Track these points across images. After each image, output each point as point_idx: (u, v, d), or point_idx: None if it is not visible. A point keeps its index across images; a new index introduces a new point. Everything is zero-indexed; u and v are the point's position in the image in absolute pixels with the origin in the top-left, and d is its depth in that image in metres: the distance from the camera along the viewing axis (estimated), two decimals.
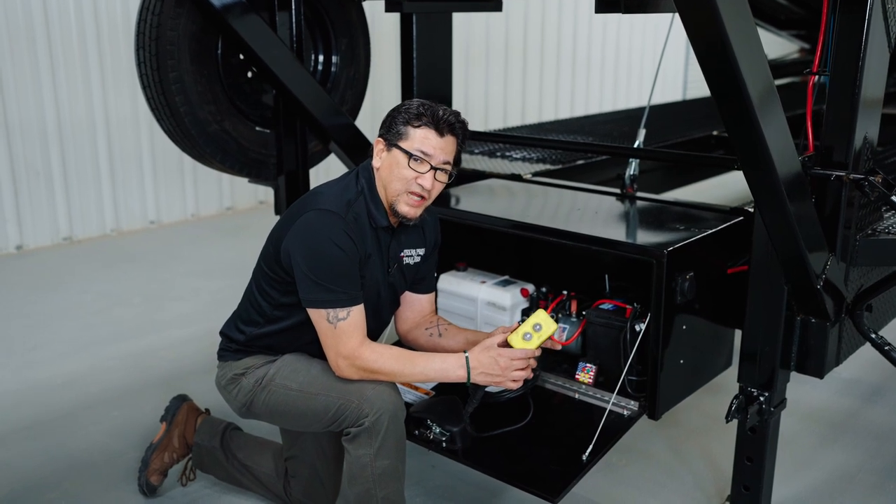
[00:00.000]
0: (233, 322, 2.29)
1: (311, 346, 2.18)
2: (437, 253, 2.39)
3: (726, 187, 4.60)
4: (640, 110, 5.07)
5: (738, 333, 2.64)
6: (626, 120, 4.75)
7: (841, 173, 2.11)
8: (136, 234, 5.75)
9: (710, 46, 1.65)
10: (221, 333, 2.31)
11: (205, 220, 6.10)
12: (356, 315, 2.06)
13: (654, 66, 9.17)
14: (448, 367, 2.10)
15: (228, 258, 5.02)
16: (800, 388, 3.21)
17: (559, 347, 2.27)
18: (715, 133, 4.30)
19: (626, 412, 2.40)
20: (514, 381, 2.09)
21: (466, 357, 2.10)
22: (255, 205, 6.50)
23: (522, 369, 2.10)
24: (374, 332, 2.21)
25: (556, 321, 2.65)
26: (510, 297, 2.76)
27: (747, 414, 2.27)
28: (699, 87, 6.24)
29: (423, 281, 2.38)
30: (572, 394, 2.52)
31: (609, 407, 2.35)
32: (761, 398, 2.31)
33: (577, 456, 2.22)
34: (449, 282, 2.89)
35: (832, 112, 2.13)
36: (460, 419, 2.28)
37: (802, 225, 1.99)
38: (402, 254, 2.25)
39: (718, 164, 3.03)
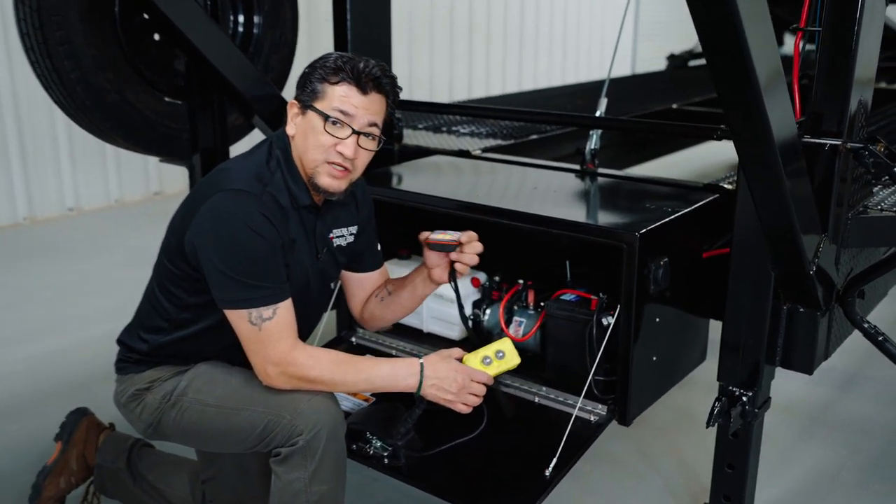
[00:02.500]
0: (133, 329, 1.94)
1: (230, 352, 1.84)
2: (372, 223, 2.07)
3: (688, 165, 4.36)
4: (593, 84, 4.80)
5: (713, 325, 2.38)
6: (580, 94, 4.48)
7: (836, 142, 1.84)
8: (53, 221, 5.29)
9: None
10: (119, 342, 1.96)
11: (130, 206, 5.66)
12: (284, 313, 1.73)
13: (601, 40, 8.93)
14: (398, 375, 1.78)
15: (156, 247, 4.60)
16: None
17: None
18: (675, 106, 4.05)
19: (593, 418, 2.11)
20: (466, 404, 1.80)
21: (421, 364, 1.79)
22: (185, 189, 6.05)
23: (478, 395, 1.80)
24: (303, 331, 1.88)
25: (512, 317, 2.36)
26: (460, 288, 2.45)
27: (731, 417, 2.00)
28: (648, 63, 6.02)
29: (364, 257, 2.06)
30: (531, 398, 2.23)
31: (575, 413, 2.06)
32: (744, 398, 2.04)
33: (539, 471, 1.93)
34: (391, 272, 2.57)
35: (824, 73, 1.86)
36: (404, 431, 1.97)
37: (797, 202, 1.72)
38: (331, 235, 1.92)
39: (698, 134, 2.74)
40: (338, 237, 1.94)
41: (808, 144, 1.84)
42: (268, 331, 1.71)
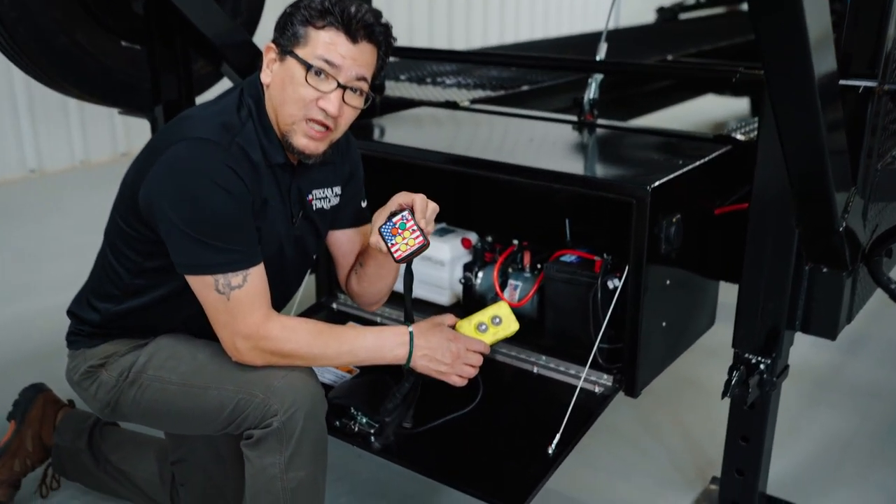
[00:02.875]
0: (84, 298, 1.73)
1: (194, 323, 1.65)
2: (358, 180, 1.84)
3: (687, 119, 4.17)
4: (585, 37, 4.58)
5: (724, 288, 2.21)
6: (570, 47, 4.25)
7: (871, 84, 1.65)
8: (13, 184, 5.01)
9: None
10: (70, 313, 1.75)
11: (96, 168, 5.39)
12: (255, 280, 1.53)
13: None
14: (384, 346, 1.60)
15: None
16: None
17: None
18: (670, 58, 3.84)
19: (597, 389, 1.94)
20: (461, 376, 1.62)
21: (410, 333, 1.60)
22: None
23: (474, 365, 1.62)
24: (277, 302, 1.68)
25: (507, 280, 2.18)
26: (449, 249, 2.26)
27: (748, 387, 1.84)
28: (633, 17, 5.79)
29: (349, 216, 1.84)
30: (529, 367, 2.05)
31: (580, 384, 1.88)
32: (762, 366, 1.88)
33: (541, 449, 1.76)
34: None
35: (855, 8, 1.67)
36: (392, 407, 1.79)
37: (832, 152, 1.53)
38: (310, 197, 1.71)
39: (715, 76, 2.53)
40: (319, 199, 1.73)
41: (840, 87, 1.65)
42: (237, 300, 1.51)
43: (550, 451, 1.75)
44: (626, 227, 1.82)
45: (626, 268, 1.83)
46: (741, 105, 5.82)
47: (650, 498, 2.15)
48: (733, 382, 1.81)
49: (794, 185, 1.63)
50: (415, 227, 1.58)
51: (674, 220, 1.83)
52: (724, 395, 1.83)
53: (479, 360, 1.62)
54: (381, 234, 1.60)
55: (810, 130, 1.46)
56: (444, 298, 2.32)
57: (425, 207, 1.62)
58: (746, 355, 1.90)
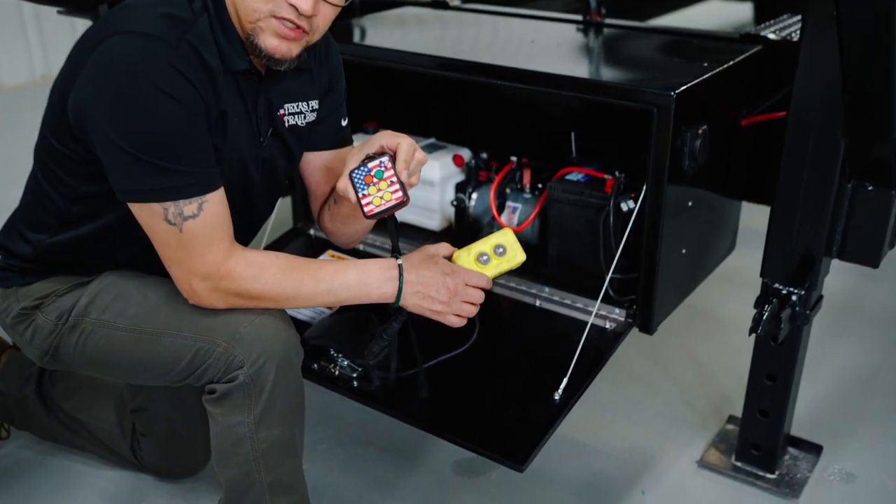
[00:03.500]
0: (13, 227, 1.48)
1: (142, 260, 1.40)
2: (339, 93, 1.56)
3: (706, 20, 3.82)
4: None
5: (746, 209, 1.99)
6: None
7: None
8: None
9: None
10: None
11: None
12: (214, 208, 1.28)
13: None
14: (369, 282, 1.36)
15: None
16: None
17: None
18: None
19: (608, 325, 1.73)
20: (459, 315, 1.39)
21: (400, 266, 1.37)
22: None
23: (474, 303, 1.39)
24: (242, 235, 1.43)
25: (505, 202, 1.94)
26: (439, 167, 2.02)
27: (780, 322, 1.63)
28: None
29: (327, 136, 1.56)
30: (531, 300, 1.83)
31: (591, 320, 1.66)
32: (793, 297, 1.67)
33: (545, 395, 1.56)
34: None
35: None
36: (377, 350, 1.56)
37: None
38: (281, 111, 1.44)
39: None
40: (292, 115, 1.46)
41: None
42: (192, 232, 1.27)
43: (557, 398, 1.55)
44: (643, 141, 1.58)
45: (644, 187, 1.59)
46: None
47: (660, 441, 1.97)
48: (764, 318, 1.60)
49: (848, 88, 1.39)
50: (394, 179, 1.32)
51: (699, 131, 1.58)
52: (751, 331, 1.62)
53: (480, 297, 1.39)
54: (351, 179, 1.34)
55: (880, 27, 1.21)
56: (433, 223, 2.08)
57: (411, 156, 1.35)
58: (776, 285, 1.69)
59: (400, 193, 1.32)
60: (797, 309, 1.66)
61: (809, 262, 1.64)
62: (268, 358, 1.31)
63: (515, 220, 1.94)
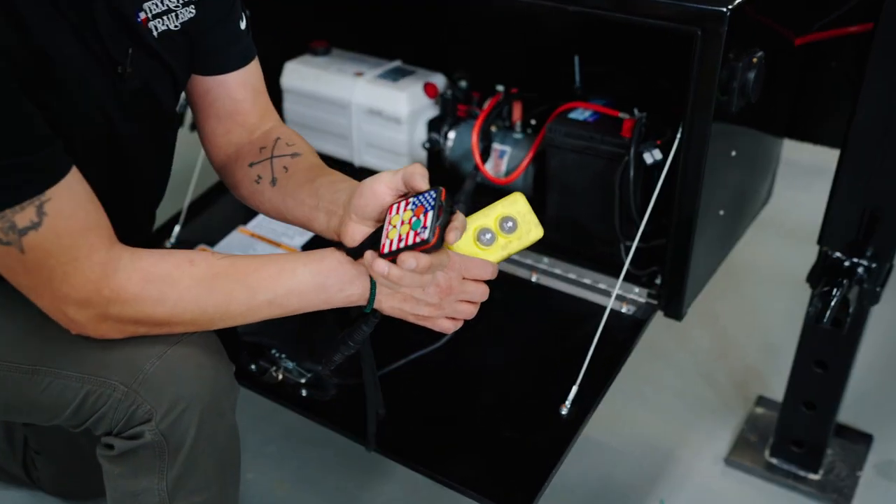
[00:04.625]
0: None
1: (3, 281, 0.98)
2: None
3: None
4: None
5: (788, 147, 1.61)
6: None
7: None
8: None
9: None
10: None
11: None
12: (64, 204, 0.85)
13: None
14: (328, 283, 0.95)
15: None
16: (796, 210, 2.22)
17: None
18: None
19: (625, 308, 1.36)
20: (452, 319, 0.99)
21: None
22: None
23: (474, 301, 0.99)
24: (132, 225, 1.02)
25: (490, 144, 1.54)
26: (406, 98, 1.60)
27: (849, 305, 1.28)
28: None
29: (221, 49, 1.09)
30: (526, 274, 1.45)
31: (609, 304, 1.29)
32: (860, 271, 1.31)
33: (548, 408, 1.21)
34: (299, 75, 1.69)
35: None
36: (339, 356, 1.16)
37: None
38: (141, 14, 0.96)
39: None
40: (158, 16, 0.98)
41: None
42: (39, 250, 0.85)
43: (564, 412, 1.20)
44: (675, 70, 1.18)
45: (679, 132, 1.20)
46: None
47: (678, 431, 1.64)
48: (833, 302, 1.24)
49: None
50: (432, 220, 0.87)
51: (753, 59, 1.18)
52: (816, 320, 1.27)
53: (482, 293, 0.99)
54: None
55: None
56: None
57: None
58: (836, 255, 1.33)
59: (426, 233, 0.87)
60: (866, 286, 1.31)
61: (890, 226, 1.27)
62: (187, 405, 0.92)
63: (503, 167, 1.54)
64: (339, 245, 0.97)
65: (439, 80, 1.64)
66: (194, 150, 1.27)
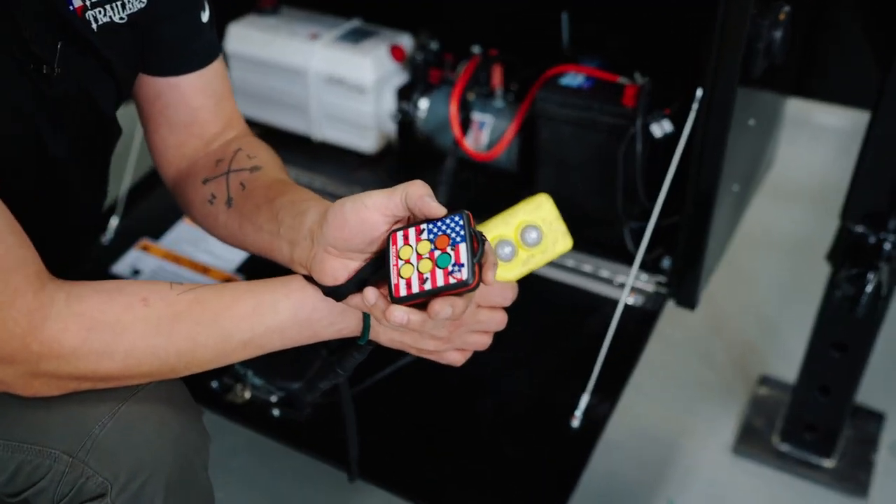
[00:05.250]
0: None
1: None
2: None
3: None
4: None
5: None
6: None
7: None
8: None
9: None
10: None
11: None
12: None
13: None
14: (314, 316, 0.77)
15: None
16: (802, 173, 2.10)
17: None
18: None
19: (631, 299, 1.22)
20: (462, 351, 0.82)
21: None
22: None
23: (488, 331, 0.82)
24: (67, 253, 0.86)
25: (469, 114, 1.38)
26: (371, 63, 1.42)
27: (881, 288, 1.16)
28: None
29: (178, 46, 0.89)
30: None
31: (624, 298, 1.14)
32: (886, 247, 1.19)
33: (558, 420, 1.06)
34: (246, 38, 1.49)
35: None
36: (325, 383, 0.97)
37: None
38: (75, 4, 0.75)
39: None
40: (98, 4, 0.77)
41: None
42: None
43: (576, 424, 1.06)
44: (688, 28, 1.03)
45: (697, 100, 1.05)
46: None
47: (680, 417, 1.53)
48: (870, 288, 1.12)
49: None
50: (467, 256, 0.69)
51: (780, 15, 1.03)
52: (855, 308, 1.14)
53: (499, 323, 0.82)
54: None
55: None
56: (367, 144, 1.49)
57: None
58: (859, 229, 1.20)
59: (464, 273, 0.68)
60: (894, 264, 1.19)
61: None
62: (150, 475, 0.74)
63: (484, 139, 1.37)
64: (309, 278, 0.79)
65: (406, 42, 1.46)
66: (130, 125, 1.07)
